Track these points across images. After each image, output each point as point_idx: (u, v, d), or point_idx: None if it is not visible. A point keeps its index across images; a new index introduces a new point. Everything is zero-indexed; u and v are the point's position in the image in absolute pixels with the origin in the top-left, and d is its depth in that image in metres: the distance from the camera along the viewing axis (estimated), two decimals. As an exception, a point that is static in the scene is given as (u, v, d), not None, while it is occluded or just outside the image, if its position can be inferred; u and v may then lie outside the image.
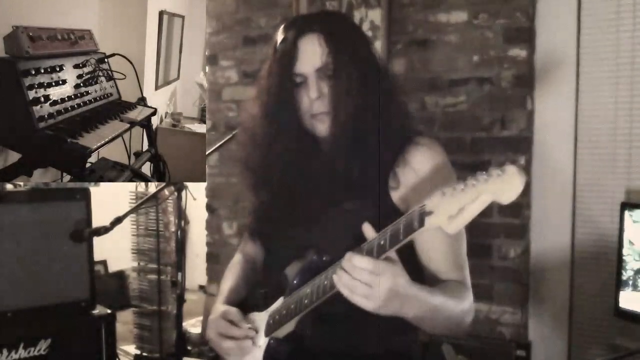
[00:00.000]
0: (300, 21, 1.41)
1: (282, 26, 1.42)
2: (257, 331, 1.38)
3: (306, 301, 1.25)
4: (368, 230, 1.16)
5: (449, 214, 1.02)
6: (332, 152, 1.35)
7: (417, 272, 1.34)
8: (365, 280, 1.10)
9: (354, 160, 1.33)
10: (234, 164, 3.27)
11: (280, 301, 1.35)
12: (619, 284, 2.13)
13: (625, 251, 2.12)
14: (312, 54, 1.33)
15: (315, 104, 1.35)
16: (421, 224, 1.06)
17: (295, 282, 1.32)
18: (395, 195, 1.34)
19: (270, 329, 1.35)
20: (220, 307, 1.45)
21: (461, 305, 1.27)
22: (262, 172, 1.45)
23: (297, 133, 1.37)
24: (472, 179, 1.00)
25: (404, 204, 1.33)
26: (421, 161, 1.34)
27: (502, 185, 0.98)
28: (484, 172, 1.00)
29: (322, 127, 1.36)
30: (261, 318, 1.39)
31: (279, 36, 1.40)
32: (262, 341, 1.36)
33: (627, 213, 2.13)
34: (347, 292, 1.13)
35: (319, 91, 1.34)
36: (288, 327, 1.32)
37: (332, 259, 1.24)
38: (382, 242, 1.12)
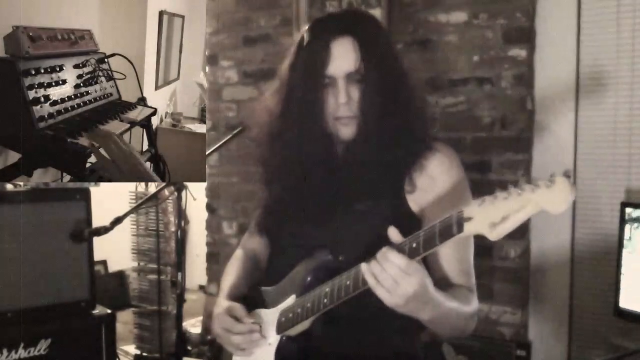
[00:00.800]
0: (333, 22, 1.41)
1: (311, 24, 1.41)
2: (260, 325, 1.38)
3: (326, 300, 1.26)
4: (394, 234, 1.16)
5: (491, 220, 1.03)
6: (352, 155, 1.36)
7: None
8: (395, 276, 1.12)
9: (372, 163, 1.34)
10: (239, 161, 3.28)
11: (292, 299, 1.35)
12: (619, 284, 2.13)
13: (625, 251, 2.12)
14: (345, 58, 1.33)
15: (342, 108, 1.35)
16: (460, 229, 1.06)
17: (308, 279, 1.32)
18: (411, 199, 1.35)
19: (282, 327, 1.35)
20: (223, 302, 1.45)
21: (468, 310, 1.30)
22: (277, 169, 1.45)
23: (318, 133, 1.37)
24: (517, 188, 1.01)
25: (419, 209, 1.35)
26: (437, 167, 1.36)
27: (550, 196, 0.98)
28: (530, 183, 1.01)
29: (346, 131, 1.37)
30: (270, 315, 1.39)
31: (307, 34, 1.39)
32: (274, 339, 1.36)
33: (627, 213, 2.13)
34: (373, 281, 1.14)
35: (348, 96, 1.34)
36: (303, 326, 1.32)
37: (347, 260, 1.25)
38: (414, 245, 1.13)
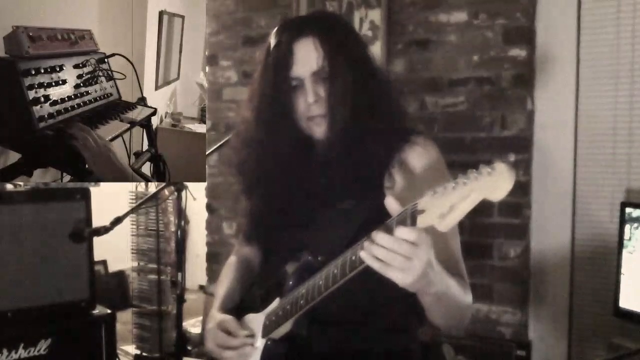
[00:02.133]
0: (294, 24, 1.41)
1: (275, 29, 1.41)
2: (253, 336, 1.38)
3: (302, 302, 1.26)
4: (392, 203, 1.12)
5: (440, 212, 1.02)
6: (328, 154, 1.35)
7: None
8: (406, 252, 1.07)
9: (350, 161, 1.33)
10: (228, 167, 3.27)
11: (276, 302, 1.35)
12: (619, 284, 2.13)
13: (625, 251, 2.12)
14: (308, 58, 1.33)
15: (312, 107, 1.35)
16: (413, 222, 1.06)
17: (290, 282, 1.33)
18: (391, 195, 1.34)
19: (266, 330, 1.36)
20: (216, 315, 1.45)
21: (466, 298, 1.29)
22: (256, 175, 1.45)
23: (292, 136, 1.37)
24: (463, 177, 1.00)
25: (400, 204, 1.34)
26: (416, 160, 1.35)
27: (492, 183, 0.98)
28: (475, 170, 1.00)
29: (318, 130, 1.37)
30: (257, 319, 1.39)
31: (272, 39, 1.39)
32: (260, 342, 1.37)
33: (627, 213, 2.13)
34: (380, 265, 1.09)
35: (316, 95, 1.34)
36: (284, 328, 1.32)
37: (326, 259, 1.24)
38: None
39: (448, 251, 1.33)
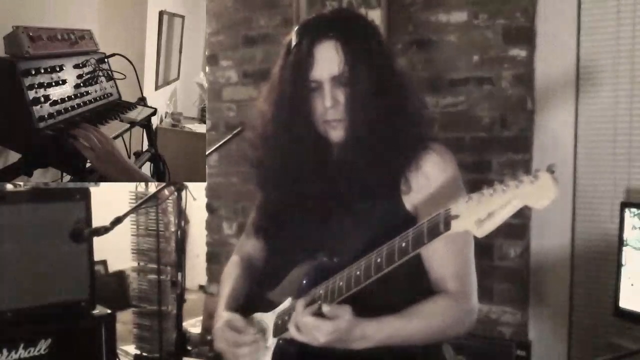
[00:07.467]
0: (317, 24, 1.39)
1: (297, 27, 1.40)
2: (264, 333, 1.37)
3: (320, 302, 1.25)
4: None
5: (477, 217, 1.03)
6: (344, 156, 1.36)
7: (421, 275, 1.35)
8: (305, 330, 1.21)
9: (366, 164, 1.33)
10: (239, 161, 3.28)
11: (288, 302, 1.34)
12: (619, 284, 2.13)
13: (624, 248, 2.12)
14: (328, 62, 1.32)
15: (330, 111, 1.35)
16: (447, 227, 1.06)
17: (304, 282, 1.32)
18: (406, 199, 1.35)
19: (278, 330, 1.35)
20: (223, 314, 1.44)
21: (443, 321, 1.30)
22: (271, 172, 1.45)
23: (309, 136, 1.37)
24: (502, 184, 1.01)
25: (414, 208, 1.35)
26: (433, 167, 1.35)
27: (534, 192, 0.99)
28: (515, 179, 1.00)
29: (335, 134, 1.37)
30: (267, 318, 1.39)
31: (294, 38, 1.38)
32: (271, 342, 1.36)
33: (627, 213, 2.13)
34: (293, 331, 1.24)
35: (334, 99, 1.34)
36: None
37: (342, 261, 1.24)
38: (403, 245, 1.13)
39: (453, 264, 1.33)
